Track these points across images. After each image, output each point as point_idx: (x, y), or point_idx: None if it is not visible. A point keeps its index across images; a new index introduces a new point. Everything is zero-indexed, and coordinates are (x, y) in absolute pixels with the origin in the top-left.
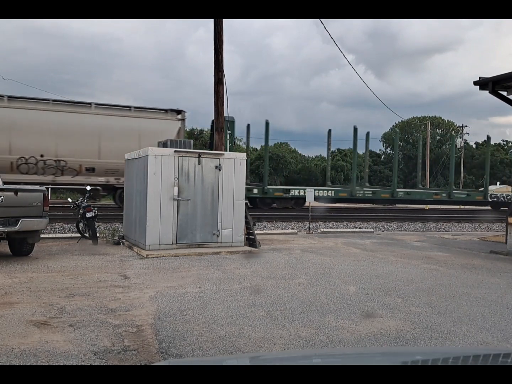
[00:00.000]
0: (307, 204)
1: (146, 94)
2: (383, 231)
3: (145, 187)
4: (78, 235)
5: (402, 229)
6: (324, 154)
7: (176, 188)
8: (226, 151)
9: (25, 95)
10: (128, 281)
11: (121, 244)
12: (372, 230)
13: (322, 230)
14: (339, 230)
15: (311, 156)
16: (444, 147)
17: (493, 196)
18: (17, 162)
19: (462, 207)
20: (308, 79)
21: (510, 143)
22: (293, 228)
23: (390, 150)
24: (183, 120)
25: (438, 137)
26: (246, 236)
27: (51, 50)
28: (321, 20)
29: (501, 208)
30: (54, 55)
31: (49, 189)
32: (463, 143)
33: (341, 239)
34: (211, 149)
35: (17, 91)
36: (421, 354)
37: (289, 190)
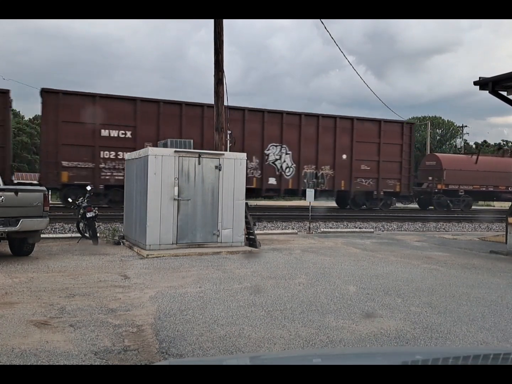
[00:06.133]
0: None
1: (147, 95)
2: (383, 231)
3: (145, 187)
4: (79, 235)
5: (402, 229)
6: None
7: (176, 188)
8: None
9: None
10: (128, 281)
11: (122, 244)
12: (372, 230)
13: (322, 230)
14: (339, 230)
15: None
16: (444, 147)
17: None
18: None
19: None
20: (308, 80)
21: (510, 143)
22: (293, 228)
23: None
24: None
25: (438, 137)
26: (246, 236)
27: (53, 51)
28: (322, 20)
29: None
30: (57, 56)
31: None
32: (463, 143)
33: (341, 239)
34: None
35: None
36: (421, 354)
37: None
